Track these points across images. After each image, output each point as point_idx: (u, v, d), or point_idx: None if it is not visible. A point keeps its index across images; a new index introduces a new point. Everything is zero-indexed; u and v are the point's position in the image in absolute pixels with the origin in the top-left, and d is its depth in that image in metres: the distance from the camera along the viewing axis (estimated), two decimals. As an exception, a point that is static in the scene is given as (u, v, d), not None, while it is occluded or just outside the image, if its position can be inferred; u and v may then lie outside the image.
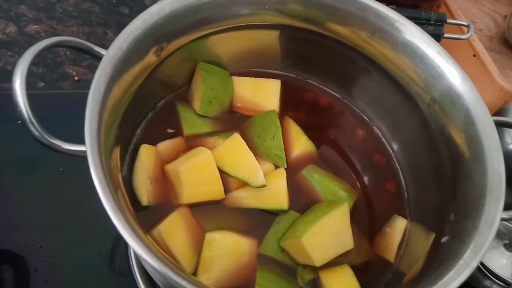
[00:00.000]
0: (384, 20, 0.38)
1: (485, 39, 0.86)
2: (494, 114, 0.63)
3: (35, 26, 0.72)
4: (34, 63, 0.77)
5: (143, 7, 0.85)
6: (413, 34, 0.38)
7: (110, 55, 0.31)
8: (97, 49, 0.35)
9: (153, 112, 0.44)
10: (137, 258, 0.47)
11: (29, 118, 0.30)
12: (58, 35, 0.73)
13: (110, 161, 0.31)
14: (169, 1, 0.35)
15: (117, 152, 0.34)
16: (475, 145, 0.35)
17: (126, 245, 0.48)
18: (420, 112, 0.40)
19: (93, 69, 0.72)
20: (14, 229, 0.47)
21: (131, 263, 0.47)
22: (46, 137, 0.30)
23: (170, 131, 0.43)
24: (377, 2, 0.37)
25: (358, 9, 0.38)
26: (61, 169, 0.51)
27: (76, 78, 0.70)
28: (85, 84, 0.70)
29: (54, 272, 0.45)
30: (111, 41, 0.84)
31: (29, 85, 0.77)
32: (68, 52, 0.73)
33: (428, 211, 0.39)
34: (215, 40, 0.43)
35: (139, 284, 0.46)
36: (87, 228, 0.48)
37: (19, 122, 0.56)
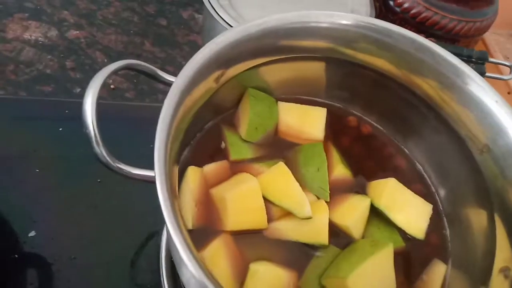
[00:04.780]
0: (456, 73, 0.39)
1: (520, 75, 0.85)
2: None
3: (75, 32, 0.73)
4: (72, 68, 0.77)
5: (181, 20, 0.86)
6: (480, 89, 0.39)
7: (179, 84, 0.31)
8: (161, 73, 0.35)
9: (200, 134, 0.44)
10: (170, 277, 0.46)
11: (96, 140, 0.30)
12: (97, 42, 0.74)
13: (171, 184, 0.31)
14: (234, 32, 0.36)
15: (176, 172, 0.34)
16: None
17: (158, 263, 0.48)
18: (472, 159, 0.40)
19: (127, 77, 0.73)
20: (49, 238, 0.47)
21: (162, 282, 0.47)
22: (109, 159, 0.30)
23: (223, 145, 0.44)
24: (452, 54, 0.38)
25: (432, 59, 0.39)
26: (99, 180, 0.51)
27: (112, 86, 0.70)
28: (120, 93, 0.71)
29: (87, 285, 0.45)
30: (148, 51, 0.85)
31: (66, 90, 0.77)
32: (105, 60, 0.74)
33: (474, 263, 0.39)
34: (267, 69, 0.44)
35: (169, 303, 0.45)
36: (121, 242, 0.48)
37: (60, 129, 0.57)
